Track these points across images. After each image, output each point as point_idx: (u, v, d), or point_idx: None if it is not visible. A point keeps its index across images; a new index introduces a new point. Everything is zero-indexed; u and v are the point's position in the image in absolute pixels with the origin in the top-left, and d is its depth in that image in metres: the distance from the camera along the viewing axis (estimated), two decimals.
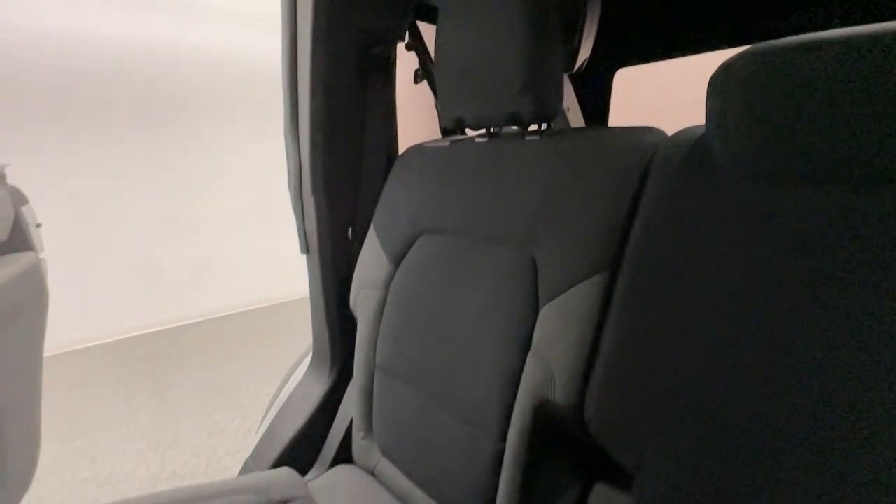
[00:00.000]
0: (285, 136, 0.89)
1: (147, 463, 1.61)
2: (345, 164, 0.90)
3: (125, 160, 2.62)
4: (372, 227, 0.86)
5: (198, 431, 1.79)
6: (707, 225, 0.45)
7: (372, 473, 0.80)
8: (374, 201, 0.88)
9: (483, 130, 0.77)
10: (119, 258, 2.66)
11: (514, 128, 0.73)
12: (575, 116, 1.34)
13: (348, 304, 0.88)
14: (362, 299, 0.84)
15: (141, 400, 2.02)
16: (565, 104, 1.31)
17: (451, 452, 0.65)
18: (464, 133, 0.87)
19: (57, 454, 1.65)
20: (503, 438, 0.59)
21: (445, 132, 1.05)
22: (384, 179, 0.89)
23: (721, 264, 0.43)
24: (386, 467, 0.77)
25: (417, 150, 0.87)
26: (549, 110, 0.65)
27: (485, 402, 0.61)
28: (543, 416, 0.56)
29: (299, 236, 0.91)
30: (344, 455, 0.85)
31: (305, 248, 0.91)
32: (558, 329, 0.55)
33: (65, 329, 2.35)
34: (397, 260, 0.81)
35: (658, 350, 0.46)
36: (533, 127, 0.71)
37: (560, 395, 0.53)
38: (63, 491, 1.49)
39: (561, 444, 0.59)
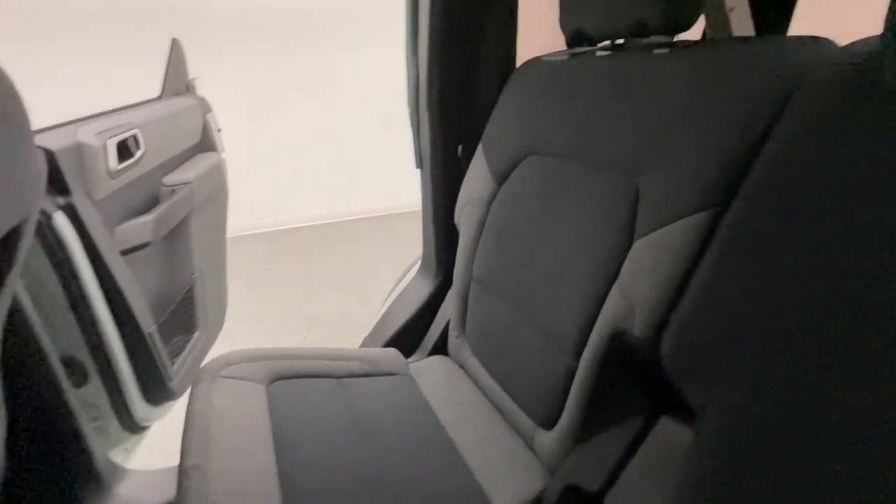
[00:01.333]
0: (406, 50, 0.92)
1: (298, 329, 2.03)
2: (459, 80, 0.90)
3: (289, 71, 2.93)
4: (480, 145, 0.88)
5: (336, 311, 2.17)
6: (863, 164, 0.37)
7: (462, 367, 0.91)
8: (486, 118, 0.89)
9: (608, 43, 0.70)
10: (280, 160, 3.11)
11: (647, 40, 0.65)
12: (741, 21, 1.10)
13: (453, 218, 0.94)
14: (466, 215, 0.89)
15: (295, 281, 2.47)
16: (729, 3, 1.07)
17: (529, 360, 0.71)
18: (592, 45, 0.80)
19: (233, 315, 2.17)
20: (577, 357, 0.62)
21: (571, 45, 0.97)
22: (498, 95, 0.88)
23: (869, 215, 0.36)
24: (474, 364, 0.87)
25: (534, 64, 0.83)
26: (682, 18, 0.56)
27: (565, 321, 0.64)
28: (618, 344, 0.57)
29: (414, 151, 0.97)
30: (440, 348, 0.98)
31: (419, 163, 0.98)
32: (649, 264, 0.54)
33: (231, 218, 2.94)
34: (501, 180, 0.83)
35: (753, 297, 0.42)
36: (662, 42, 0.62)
37: (638, 327, 0.53)
38: (242, 338, 1.98)
39: (630, 373, 0.60)
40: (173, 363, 1.13)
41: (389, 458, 0.65)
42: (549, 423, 0.68)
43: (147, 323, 1.01)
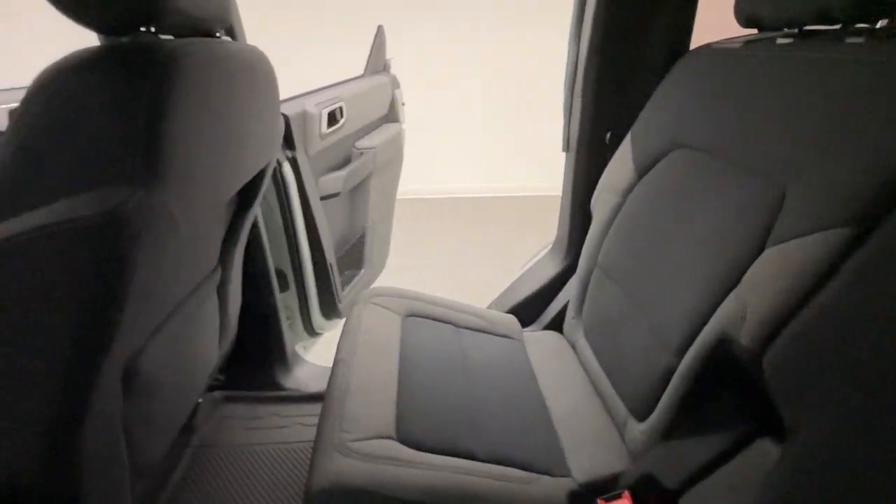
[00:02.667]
0: (569, 35, 0.95)
1: (445, 286, 2.27)
2: (618, 67, 0.90)
3: (459, 50, 3.14)
4: (629, 134, 0.88)
5: (479, 279, 2.35)
6: None
7: (573, 346, 0.95)
8: (641, 107, 0.87)
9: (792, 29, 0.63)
10: (452, 128, 3.37)
11: (836, 27, 0.58)
12: None
13: (589, 203, 0.96)
14: (601, 202, 0.91)
15: (449, 248, 2.73)
16: None
17: (634, 351, 0.72)
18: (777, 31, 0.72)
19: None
20: (680, 356, 0.61)
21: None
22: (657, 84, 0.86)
23: None
24: (584, 346, 0.90)
25: (704, 52, 0.78)
26: (877, 2, 0.49)
27: (676, 318, 0.64)
28: (723, 351, 0.55)
29: (563, 134, 1.01)
30: (556, 325, 1.03)
31: (566, 146, 1.01)
32: (774, 273, 0.51)
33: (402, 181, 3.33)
34: (642, 171, 0.82)
35: (873, 327, 0.38)
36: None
37: (746, 337, 0.51)
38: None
39: (729, 381, 0.57)
40: (343, 290, 1.43)
41: (486, 402, 0.76)
42: (641, 415, 0.69)
43: (330, 255, 1.29)
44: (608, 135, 0.95)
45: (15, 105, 1.32)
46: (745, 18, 0.65)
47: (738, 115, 0.64)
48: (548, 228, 1.25)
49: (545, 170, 3.27)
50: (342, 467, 0.55)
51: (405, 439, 0.63)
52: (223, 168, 0.58)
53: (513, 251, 2.55)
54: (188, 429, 1.07)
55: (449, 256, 2.59)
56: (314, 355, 1.39)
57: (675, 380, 0.62)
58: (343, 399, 0.67)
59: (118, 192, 0.38)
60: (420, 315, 0.92)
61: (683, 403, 0.61)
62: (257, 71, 0.66)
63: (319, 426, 0.64)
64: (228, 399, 1.18)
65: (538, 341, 0.98)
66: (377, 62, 1.66)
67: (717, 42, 0.77)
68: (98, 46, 0.43)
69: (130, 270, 0.41)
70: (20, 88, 1.42)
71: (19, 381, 0.42)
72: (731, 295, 0.56)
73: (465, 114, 3.35)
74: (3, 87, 1.39)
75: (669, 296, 0.67)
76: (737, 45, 0.71)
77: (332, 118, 1.25)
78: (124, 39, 0.44)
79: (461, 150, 3.44)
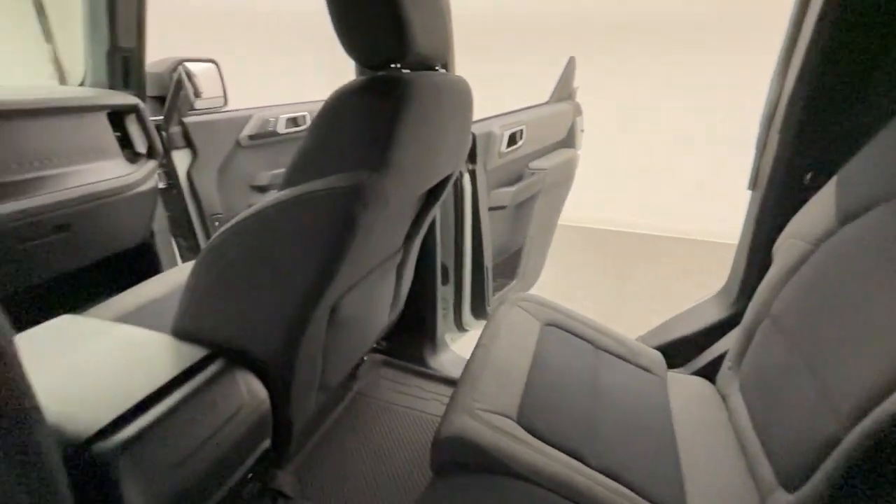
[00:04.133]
0: (775, 69, 0.89)
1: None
2: (833, 104, 0.81)
3: (662, 80, 3.01)
4: (836, 177, 0.78)
5: (626, 317, 2.22)
6: None
7: (724, 399, 0.87)
8: (853, 149, 0.77)
9: None
10: (629, 163, 3.25)
11: None
12: None
13: (771, 248, 0.88)
14: (787, 247, 0.82)
15: (604, 281, 2.64)
16: None
17: (795, 412, 0.65)
18: None
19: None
20: (850, 427, 0.54)
21: None
22: (881, 128, 0.75)
23: None
24: (737, 400, 0.82)
25: None
26: None
27: (851, 383, 0.56)
28: None
29: (751, 171, 0.94)
30: (707, 374, 0.95)
31: (752, 184, 0.94)
32: None
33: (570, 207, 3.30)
34: (845, 220, 0.72)
35: None
36: None
37: None
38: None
39: None
40: (493, 295, 1.55)
41: (609, 418, 0.76)
42: (791, 485, 0.61)
43: (489, 259, 1.43)
44: (808, 175, 0.86)
45: (293, 115, 1.82)
46: None
47: None
48: (715, 281, 1.15)
49: (727, 215, 2.90)
50: (467, 425, 0.65)
51: (524, 423, 0.69)
52: (423, 168, 0.74)
53: (669, 295, 2.33)
54: (353, 377, 1.32)
55: (600, 288, 2.50)
56: (456, 347, 1.54)
57: (839, 452, 0.55)
58: (478, 376, 0.77)
59: (361, 174, 0.56)
60: (560, 326, 0.97)
61: (846, 481, 0.54)
62: (461, 96, 0.82)
63: (454, 392, 0.75)
64: (385, 363, 1.40)
65: (683, 384, 0.93)
66: (563, 90, 1.76)
67: None
68: (363, 78, 0.62)
69: (355, 229, 0.59)
70: (295, 104, 1.95)
71: (280, 290, 0.64)
72: None
73: (649, 145, 3.19)
74: (285, 103, 1.93)
75: (850, 359, 0.59)
76: None
77: (512, 139, 1.39)
78: (380, 73, 0.63)
79: (638, 183, 3.28)
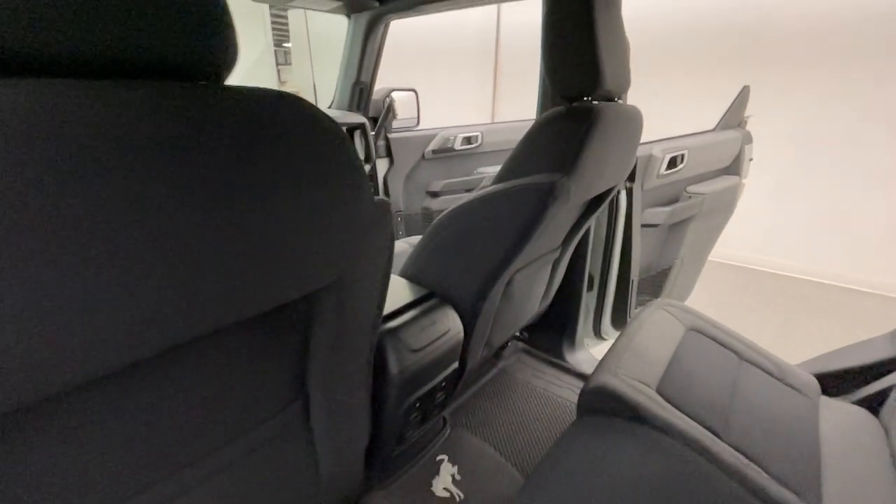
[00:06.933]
0: None
1: None
2: None
3: (858, 112, 2.65)
4: None
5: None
6: None
7: (887, 433, 0.85)
8: None
9: None
10: (804, 198, 2.90)
11: None
12: None
13: None
14: None
15: (767, 322, 2.42)
16: None
17: None
18: None
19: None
20: None
21: None
22: None
23: None
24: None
25: None
26: None
27: None
28: None
29: None
30: (872, 406, 0.92)
31: None
32: None
33: (737, 246, 3.03)
34: None
35: None
36: None
37: None
38: None
39: None
40: (635, 308, 1.62)
41: (746, 419, 0.82)
42: None
43: (635, 273, 1.52)
44: None
45: (468, 134, 2.18)
46: None
47: None
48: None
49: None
50: (612, 381, 0.81)
51: (663, 393, 0.81)
52: (595, 178, 0.92)
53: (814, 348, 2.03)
54: (497, 357, 1.53)
55: (742, 328, 2.30)
56: (593, 352, 1.65)
57: None
58: (625, 349, 0.91)
59: (555, 175, 0.77)
60: (704, 333, 1.04)
61: None
62: (633, 123, 0.99)
63: (602, 359, 0.91)
64: (525, 350, 1.59)
65: (839, 409, 0.92)
66: (734, 118, 1.76)
67: None
68: (563, 108, 0.84)
69: (544, 216, 0.80)
70: (470, 125, 2.31)
71: (480, 258, 0.89)
72: None
73: (823, 182, 2.81)
74: (462, 125, 2.29)
75: None
76: None
77: (672, 163, 1.48)
78: (575, 104, 0.84)
79: (809, 223, 2.90)
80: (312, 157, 0.41)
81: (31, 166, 0.27)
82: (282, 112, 0.39)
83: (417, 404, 0.86)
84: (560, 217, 0.99)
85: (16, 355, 0.29)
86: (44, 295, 0.28)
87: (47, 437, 0.36)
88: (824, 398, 0.95)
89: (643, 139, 1.13)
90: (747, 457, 0.73)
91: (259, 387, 0.53)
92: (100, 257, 0.30)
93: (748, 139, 1.79)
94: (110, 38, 0.32)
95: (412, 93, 2.15)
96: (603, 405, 0.80)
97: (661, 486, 0.66)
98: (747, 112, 1.78)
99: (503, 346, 1.55)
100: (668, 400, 0.80)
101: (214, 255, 0.36)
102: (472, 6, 1.51)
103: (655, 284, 1.71)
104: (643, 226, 1.51)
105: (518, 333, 1.64)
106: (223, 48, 0.37)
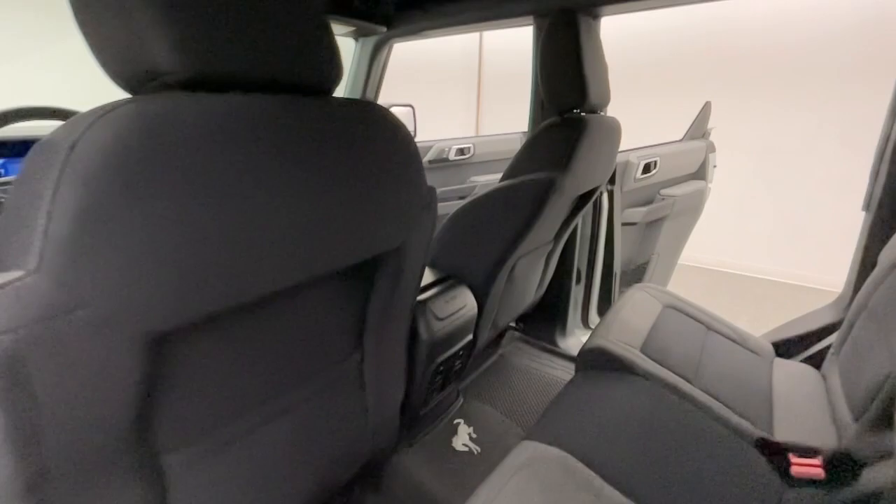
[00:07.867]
0: (889, 108, 1.07)
1: None
2: None
3: (813, 125, 2.95)
4: None
5: None
6: None
7: (824, 378, 1.03)
8: None
9: None
10: (762, 206, 3.18)
11: None
12: None
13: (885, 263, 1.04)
14: (889, 253, 0.99)
15: (735, 318, 2.64)
16: None
17: (869, 367, 0.83)
18: None
19: None
20: None
21: None
22: None
23: None
24: (833, 378, 0.99)
25: None
26: None
27: None
28: None
29: (866, 194, 1.12)
30: (816, 363, 1.10)
31: (866, 206, 1.11)
32: None
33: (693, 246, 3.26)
34: None
35: None
36: None
37: None
38: None
39: None
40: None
41: (713, 370, 0.99)
42: (858, 415, 0.81)
43: (617, 266, 1.71)
44: None
45: (461, 146, 2.36)
46: None
47: None
48: None
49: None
50: (605, 342, 0.97)
51: (645, 352, 0.98)
52: (585, 177, 1.10)
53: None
54: (497, 344, 1.69)
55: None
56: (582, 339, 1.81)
57: (890, 382, 0.75)
58: (613, 321, 1.08)
59: (554, 172, 0.95)
60: (678, 309, 1.23)
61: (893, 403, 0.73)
62: (614, 132, 1.18)
63: (595, 328, 1.07)
64: (522, 339, 1.75)
65: (788, 366, 1.11)
66: (697, 130, 1.99)
67: None
68: (558, 118, 1.02)
69: (544, 207, 0.97)
70: (462, 138, 2.49)
71: (491, 244, 1.05)
72: None
73: (775, 186, 3.09)
74: (456, 137, 2.48)
75: None
76: None
77: (647, 168, 1.68)
78: (566, 115, 1.02)
79: (769, 227, 3.18)
80: (392, 150, 0.57)
81: (235, 146, 0.42)
82: (372, 117, 0.55)
83: (440, 368, 1.01)
84: (555, 211, 1.16)
85: (208, 275, 0.41)
86: (229, 232, 0.42)
87: (196, 350, 0.49)
88: (778, 359, 1.14)
89: (621, 148, 1.32)
90: (713, 397, 0.90)
91: (332, 335, 0.67)
92: (265, 209, 0.45)
93: (711, 148, 2.03)
94: (269, 64, 0.47)
95: (409, 108, 2.33)
96: (597, 362, 0.96)
97: (647, 418, 0.82)
98: (710, 125, 2.01)
99: (502, 335, 1.71)
100: (650, 357, 0.97)
101: (326, 215, 0.51)
102: (474, 31, 1.70)
103: (635, 277, 1.90)
104: (623, 224, 1.71)
105: (514, 324, 1.80)
106: (334, 70, 0.53)
